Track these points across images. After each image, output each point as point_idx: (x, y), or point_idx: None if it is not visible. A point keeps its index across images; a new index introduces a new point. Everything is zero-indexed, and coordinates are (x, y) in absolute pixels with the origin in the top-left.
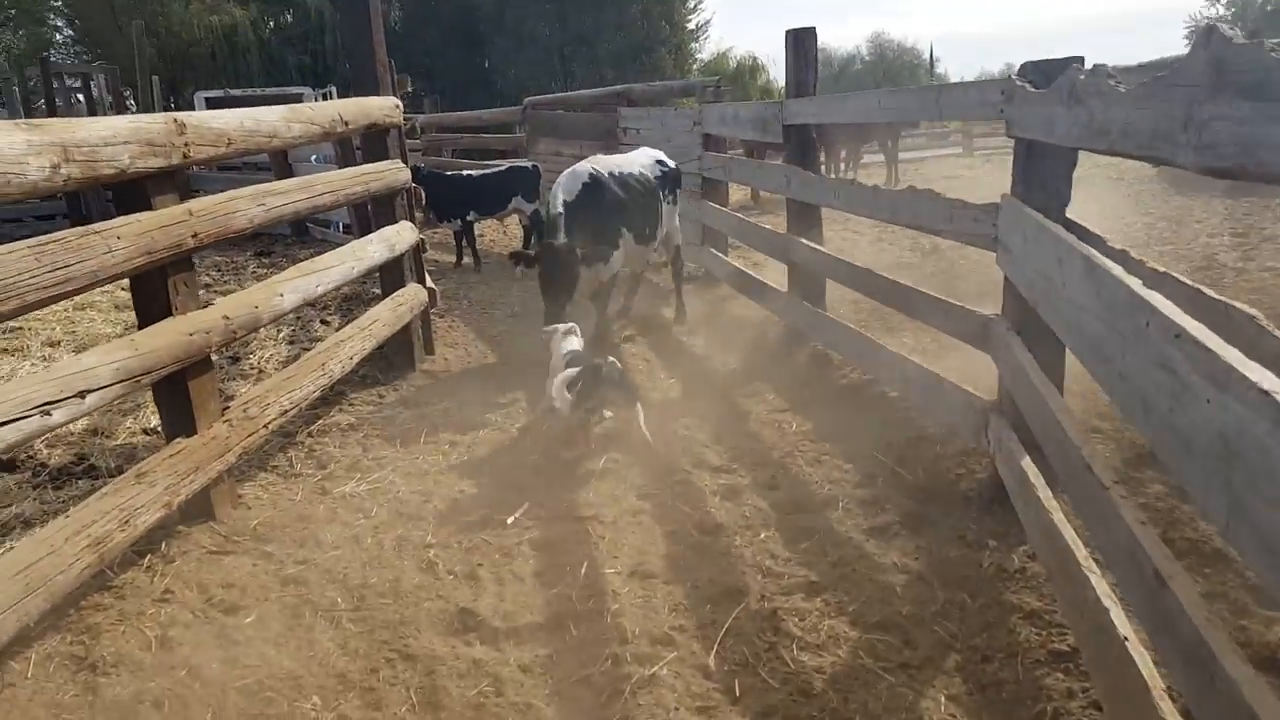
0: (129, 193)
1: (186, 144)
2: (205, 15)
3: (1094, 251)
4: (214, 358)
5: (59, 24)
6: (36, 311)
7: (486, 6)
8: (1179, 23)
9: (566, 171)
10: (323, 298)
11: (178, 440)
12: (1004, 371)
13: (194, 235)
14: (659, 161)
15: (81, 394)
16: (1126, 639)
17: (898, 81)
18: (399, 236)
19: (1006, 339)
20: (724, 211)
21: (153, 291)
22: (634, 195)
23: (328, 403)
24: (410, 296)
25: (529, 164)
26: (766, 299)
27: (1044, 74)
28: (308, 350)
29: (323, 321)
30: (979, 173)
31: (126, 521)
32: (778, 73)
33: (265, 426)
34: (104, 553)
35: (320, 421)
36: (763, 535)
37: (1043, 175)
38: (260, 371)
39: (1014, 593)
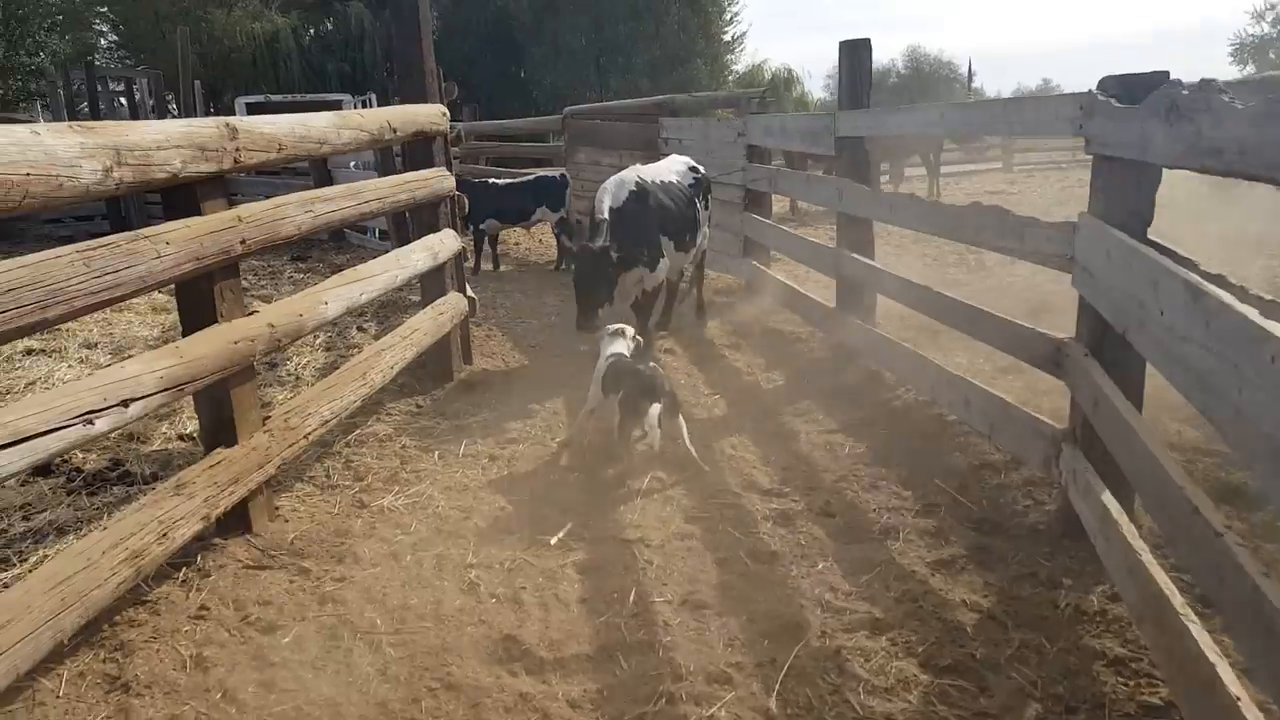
0: (179, 197)
1: (238, 149)
2: (247, 22)
3: (1197, 277)
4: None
5: (104, 29)
6: None
7: (523, 16)
8: (1210, 40)
9: (612, 179)
10: (366, 306)
11: (218, 450)
12: (1081, 399)
13: (243, 241)
14: (691, 168)
15: (125, 402)
16: (1239, 699)
17: (934, 95)
18: (442, 245)
19: (1085, 365)
20: (768, 224)
21: (199, 298)
22: (676, 204)
23: (365, 411)
24: (451, 305)
25: (556, 174)
26: (813, 314)
27: (1128, 89)
28: (345, 358)
29: (359, 329)
30: (1023, 188)
31: (165, 534)
32: (812, 85)
33: (306, 437)
34: (141, 566)
35: (358, 431)
36: (820, 565)
37: (1126, 194)
38: (297, 379)
39: (1095, 637)
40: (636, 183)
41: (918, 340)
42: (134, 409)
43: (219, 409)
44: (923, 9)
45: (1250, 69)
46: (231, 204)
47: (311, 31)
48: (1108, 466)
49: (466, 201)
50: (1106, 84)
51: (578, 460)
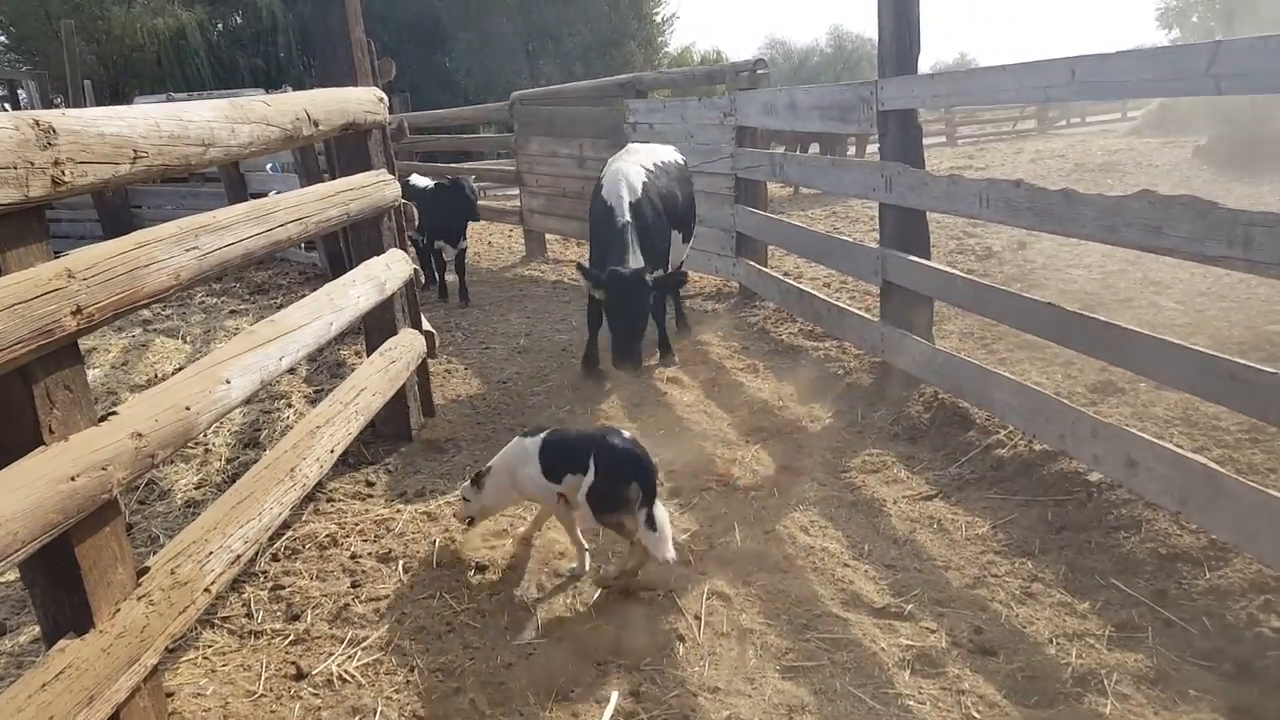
0: None
1: (57, 162)
2: (148, 19)
3: None
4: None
5: None
6: None
7: (446, 2)
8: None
9: (613, 171)
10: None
11: (62, 645)
12: None
13: (76, 311)
14: (676, 150)
15: None
16: None
17: (857, 73)
18: (389, 271)
19: None
20: (771, 218)
21: (7, 410)
22: (682, 188)
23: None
24: (405, 348)
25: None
26: (847, 328)
27: None
28: (270, 414)
29: (289, 369)
30: (987, 162)
31: None
32: None
33: (208, 590)
34: None
35: (289, 534)
36: None
37: None
38: (207, 451)
39: None
40: (648, 172)
41: (971, 351)
42: None
43: (58, 578)
44: None
45: (1176, 33)
46: (116, 226)
47: (220, 26)
48: None
49: (415, 211)
50: None
51: (594, 563)
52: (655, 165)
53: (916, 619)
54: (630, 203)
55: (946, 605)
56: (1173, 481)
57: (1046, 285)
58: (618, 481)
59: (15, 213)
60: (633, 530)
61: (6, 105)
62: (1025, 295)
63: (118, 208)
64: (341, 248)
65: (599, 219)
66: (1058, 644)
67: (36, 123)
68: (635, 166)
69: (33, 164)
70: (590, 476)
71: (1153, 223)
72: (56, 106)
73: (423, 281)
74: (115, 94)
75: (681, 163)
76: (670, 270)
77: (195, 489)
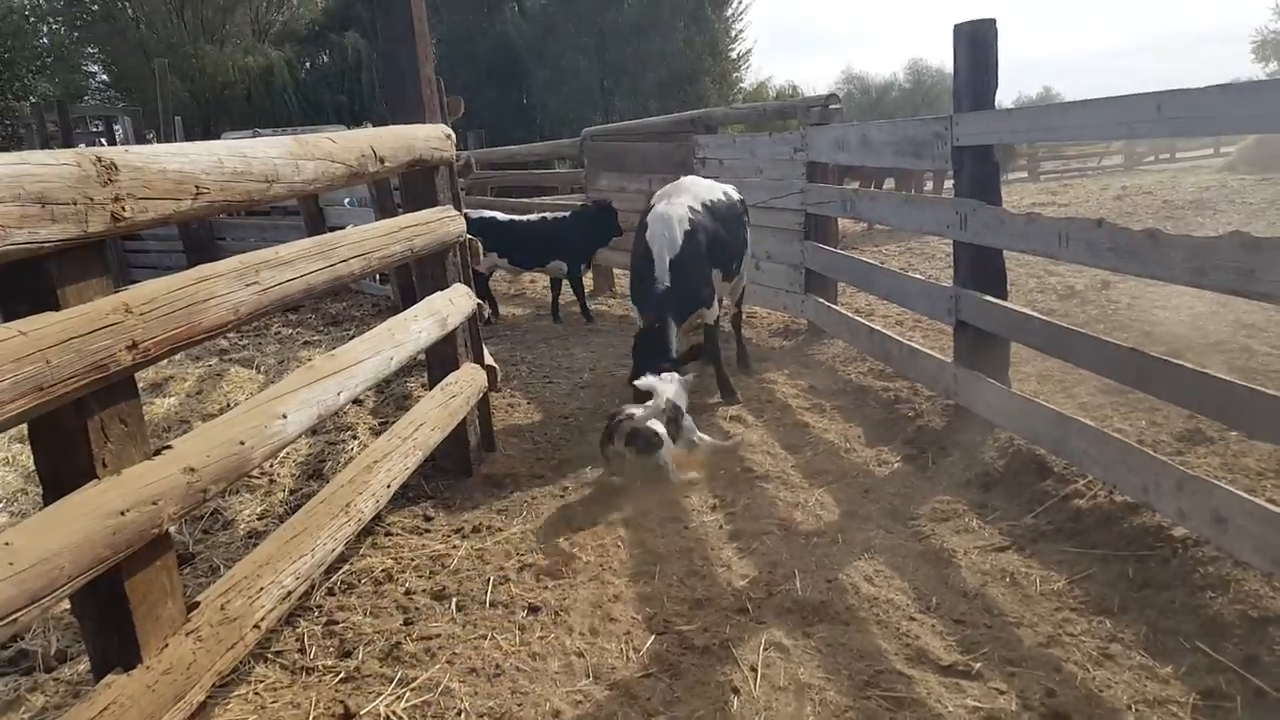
0: (16, 284)
1: (117, 198)
2: (240, 57)
3: None
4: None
5: (94, 70)
6: None
7: (525, 41)
8: (1224, 42)
9: (659, 215)
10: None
11: (108, 680)
12: None
13: (132, 346)
14: (736, 189)
15: None
16: None
17: (936, 108)
18: (452, 306)
19: None
20: (841, 255)
21: (61, 444)
22: (727, 228)
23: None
24: (466, 383)
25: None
26: (919, 369)
27: None
28: (335, 446)
29: (355, 399)
30: (1071, 199)
31: None
32: None
33: (257, 626)
34: None
35: (345, 568)
36: None
37: None
38: (271, 481)
39: None
40: (690, 219)
41: (1053, 396)
42: None
43: (107, 613)
44: (914, 27)
45: (1274, 66)
46: (201, 256)
47: (308, 64)
48: None
49: (480, 247)
50: None
51: (655, 613)
52: (703, 205)
53: (985, 679)
54: (671, 260)
55: (1018, 665)
56: (1265, 540)
57: (1131, 326)
58: None
59: (75, 247)
60: None
61: (103, 140)
62: (1106, 339)
63: (203, 239)
64: (413, 281)
65: (638, 261)
66: (1137, 711)
67: (98, 159)
68: (681, 210)
69: (92, 200)
70: None
71: (1245, 266)
72: (148, 142)
73: (486, 316)
74: (206, 129)
75: (734, 200)
76: (712, 307)
77: (258, 519)
